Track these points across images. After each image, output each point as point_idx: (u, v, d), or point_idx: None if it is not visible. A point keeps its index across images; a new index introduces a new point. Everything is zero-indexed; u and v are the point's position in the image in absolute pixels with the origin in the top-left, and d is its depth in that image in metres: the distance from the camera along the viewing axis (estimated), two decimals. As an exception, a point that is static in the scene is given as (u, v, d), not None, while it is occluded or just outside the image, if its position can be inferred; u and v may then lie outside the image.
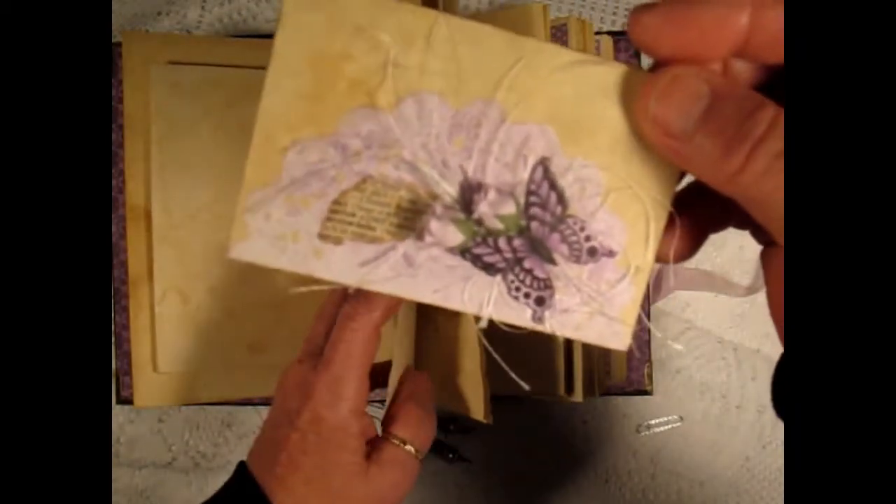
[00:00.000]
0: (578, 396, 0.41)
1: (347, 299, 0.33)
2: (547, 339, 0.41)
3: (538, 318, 0.20)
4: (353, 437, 0.32)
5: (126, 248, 0.46)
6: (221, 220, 0.46)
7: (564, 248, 0.19)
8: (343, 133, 0.19)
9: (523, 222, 0.19)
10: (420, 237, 0.19)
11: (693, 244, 0.22)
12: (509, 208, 0.19)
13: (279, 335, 0.47)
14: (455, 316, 0.37)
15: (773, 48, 0.19)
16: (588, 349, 0.42)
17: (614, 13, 0.49)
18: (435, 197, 0.18)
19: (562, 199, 0.19)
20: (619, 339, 0.20)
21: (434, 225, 0.18)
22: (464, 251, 0.19)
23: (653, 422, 0.50)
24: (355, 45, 0.18)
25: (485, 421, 0.36)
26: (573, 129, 0.19)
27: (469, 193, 0.18)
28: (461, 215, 0.19)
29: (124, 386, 0.48)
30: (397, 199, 0.19)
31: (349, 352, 0.32)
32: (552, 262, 0.19)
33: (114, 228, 0.48)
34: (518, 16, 0.41)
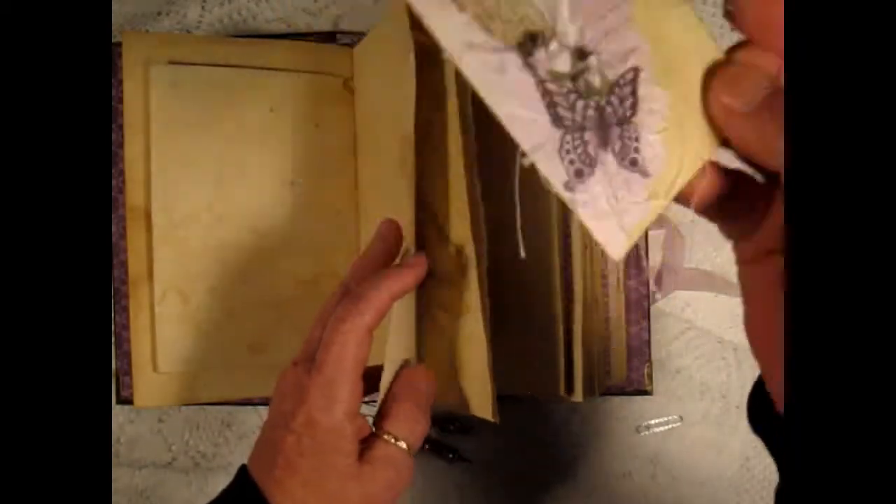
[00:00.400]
0: (578, 396, 0.41)
1: (340, 302, 0.33)
2: (547, 339, 0.41)
3: (569, 187, 0.21)
4: (347, 440, 0.32)
5: (126, 248, 0.46)
6: (221, 220, 0.46)
7: (618, 144, 0.21)
8: None
9: (603, 101, 0.21)
10: (529, 53, 0.20)
11: (714, 199, 0.24)
12: (603, 80, 0.20)
13: (279, 335, 0.47)
14: (461, 314, 0.37)
15: None
16: (588, 348, 0.42)
17: (614, 13, 0.49)
18: (556, 34, 0.20)
19: (634, 107, 0.21)
20: (619, 247, 0.22)
21: (553, 45, 0.20)
22: (547, 93, 0.20)
23: (653, 422, 0.50)
24: None
25: (492, 420, 0.36)
26: (666, 61, 0.21)
27: (583, 49, 0.20)
28: (571, 57, 0.20)
29: (124, 386, 0.48)
30: (527, 17, 0.20)
31: (341, 354, 0.32)
32: (605, 147, 0.21)
33: (114, 228, 0.48)
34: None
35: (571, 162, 0.21)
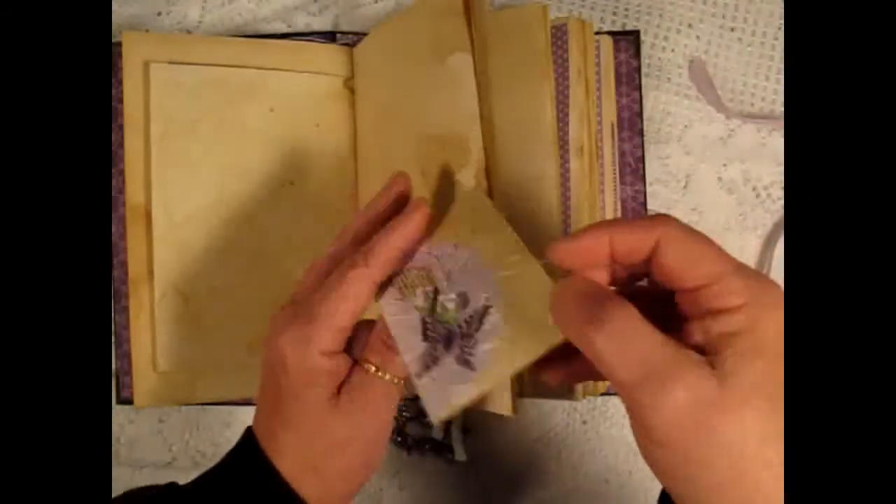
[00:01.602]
0: (578, 396, 0.41)
1: (342, 251, 0.33)
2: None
3: (418, 376, 0.31)
4: (323, 375, 0.32)
5: (126, 248, 0.46)
6: (221, 220, 0.46)
7: (457, 349, 0.31)
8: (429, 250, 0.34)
9: (455, 325, 0.31)
10: (425, 306, 0.33)
11: (560, 378, 0.33)
12: (458, 312, 0.32)
13: (279, 335, 0.47)
14: None
15: (628, 258, 0.27)
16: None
17: (614, 13, 0.49)
18: (436, 288, 0.33)
19: (479, 328, 0.31)
20: (435, 413, 0.30)
21: (441, 297, 0.32)
22: (423, 322, 0.32)
23: (653, 422, 0.50)
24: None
25: (513, 415, 0.38)
26: (511, 300, 0.30)
27: (463, 295, 0.32)
28: (452, 302, 0.32)
29: (124, 386, 0.48)
30: (423, 285, 0.33)
31: (335, 301, 0.31)
32: (448, 351, 0.31)
33: (114, 228, 0.48)
34: (518, 16, 0.41)
35: (426, 362, 0.31)
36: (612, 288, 0.28)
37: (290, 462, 0.32)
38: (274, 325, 0.33)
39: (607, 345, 0.24)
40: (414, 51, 0.43)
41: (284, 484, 0.32)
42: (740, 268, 0.25)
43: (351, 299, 0.32)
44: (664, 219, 0.26)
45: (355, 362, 0.33)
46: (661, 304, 0.27)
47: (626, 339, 0.24)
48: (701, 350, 0.25)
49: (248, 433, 0.34)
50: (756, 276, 0.25)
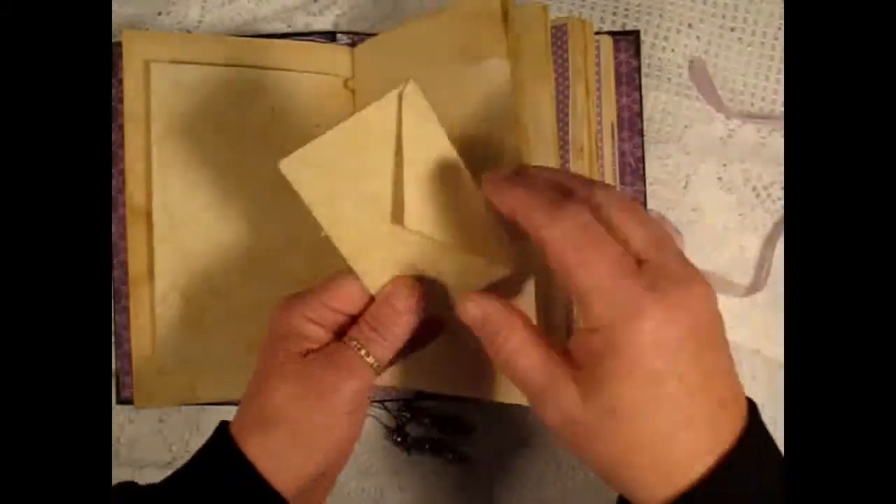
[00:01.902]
0: None
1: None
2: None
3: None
4: (300, 336, 0.32)
5: (126, 248, 0.46)
6: (222, 220, 0.46)
7: None
8: None
9: None
10: None
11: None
12: None
13: (279, 335, 0.47)
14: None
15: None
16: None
17: (614, 13, 0.49)
18: None
19: None
20: None
21: None
22: None
23: (653, 422, 0.50)
24: None
25: (526, 404, 0.38)
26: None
27: None
28: None
29: (124, 386, 0.48)
30: None
31: (332, 277, 0.33)
32: None
33: (114, 228, 0.48)
34: (518, 16, 0.41)
35: None
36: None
37: (244, 421, 0.32)
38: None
39: (502, 366, 0.28)
40: (434, 54, 0.43)
41: (232, 443, 0.32)
42: (620, 271, 0.25)
43: (345, 285, 0.33)
44: (561, 216, 0.26)
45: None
46: None
47: (513, 363, 0.28)
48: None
49: (220, 425, 0.34)
50: (633, 287, 0.25)
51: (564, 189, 0.28)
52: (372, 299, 0.33)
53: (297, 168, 0.32)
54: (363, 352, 0.32)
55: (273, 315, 0.34)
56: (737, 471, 0.25)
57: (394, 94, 0.31)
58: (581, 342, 0.26)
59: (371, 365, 0.32)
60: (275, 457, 0.31)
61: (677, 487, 0.25)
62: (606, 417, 0.25)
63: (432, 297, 0.34)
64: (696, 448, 0.25)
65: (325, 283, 0.33)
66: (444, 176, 0.32)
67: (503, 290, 0.33)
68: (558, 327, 0.40)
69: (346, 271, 0.33)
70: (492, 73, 0.40)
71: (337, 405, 0.32)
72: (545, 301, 0.39)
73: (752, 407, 0.27)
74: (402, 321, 0.32)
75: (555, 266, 0.26)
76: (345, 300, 0.33)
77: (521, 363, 0.27)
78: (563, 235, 0.25)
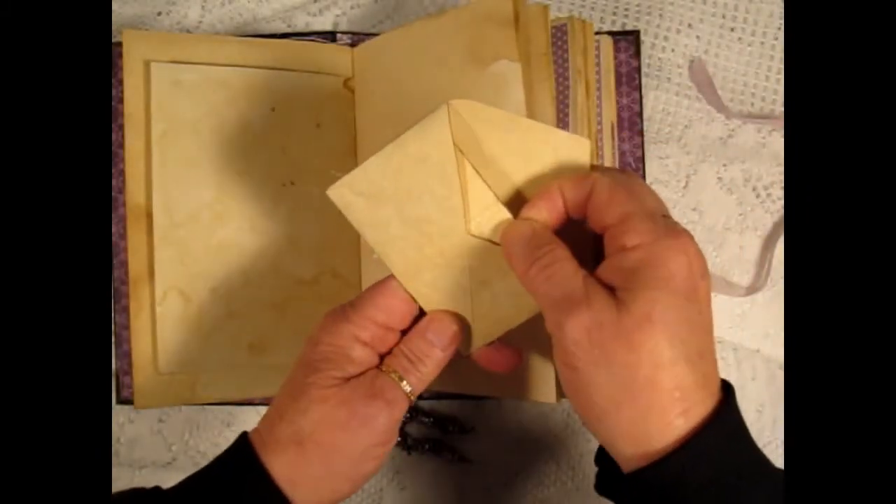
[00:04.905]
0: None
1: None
2: (540, 345, 0.41)
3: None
4: (345, 357, 0.32)
5: (126, 248, 0.46)
6: (222, 220, 0.46)
7: None
8: None
9: None
10: None
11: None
12: None
13: (279, 335, 0.47)
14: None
15: (576, 208, 0.30)
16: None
17: (614, 13, 0.49)
18: None
19: None
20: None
21: None
22: None
23: (653, 422, 0.50)
24: None
25: (555, 401, 0.39)
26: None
27: None
28: None
29: (124, 386, 0.48)
30: None
31: (375, 287, 0.33)
32: None
33: (114, 228, 0.48)
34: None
35: None
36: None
37: (271, 436, 0.32)
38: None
39: (537, 274, 0.29)
40: (439, 55, 0.43)
41: (255, 457, 0.31)
42: (653, 213, 0.28)
43: (391, 296, 0.33)
44: (601, 169, 0.30)
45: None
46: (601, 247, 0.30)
47: (551, 270, 0.28)
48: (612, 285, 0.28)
49: (242, 436, 0.33)
50: (666, 224, 0.28)
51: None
52: (422, 313, 0.34)
53: (344, 195, 0.32)
54: (403, 382, 0.33)
55: (317, 333, 0.33)
56: (724, 419, 0.28)
57: (432, 116, 0.31)
58: (612, 265, 0.28)
59: (407, 395, 0.33)
60: (302, 480, 0.31)
61: (681, 428, 0.27)
62: (643, 322, 0.26)
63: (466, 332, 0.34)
64: (705, 384, 0.28)
65: (371, 296, 0.33)
66: (495, 189, 0.32)
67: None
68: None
69: (387, 280, 0.33)
70: (501, 75, 0.40)
71: (374, 435, 0.32)
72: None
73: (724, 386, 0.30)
74: (435, 355, 0.33)
75: (598, 202, 0.29)
76: (392, 313, 0.33)
77: (561, 272, 0.28)
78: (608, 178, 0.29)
